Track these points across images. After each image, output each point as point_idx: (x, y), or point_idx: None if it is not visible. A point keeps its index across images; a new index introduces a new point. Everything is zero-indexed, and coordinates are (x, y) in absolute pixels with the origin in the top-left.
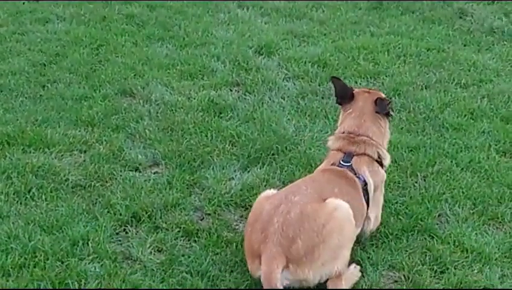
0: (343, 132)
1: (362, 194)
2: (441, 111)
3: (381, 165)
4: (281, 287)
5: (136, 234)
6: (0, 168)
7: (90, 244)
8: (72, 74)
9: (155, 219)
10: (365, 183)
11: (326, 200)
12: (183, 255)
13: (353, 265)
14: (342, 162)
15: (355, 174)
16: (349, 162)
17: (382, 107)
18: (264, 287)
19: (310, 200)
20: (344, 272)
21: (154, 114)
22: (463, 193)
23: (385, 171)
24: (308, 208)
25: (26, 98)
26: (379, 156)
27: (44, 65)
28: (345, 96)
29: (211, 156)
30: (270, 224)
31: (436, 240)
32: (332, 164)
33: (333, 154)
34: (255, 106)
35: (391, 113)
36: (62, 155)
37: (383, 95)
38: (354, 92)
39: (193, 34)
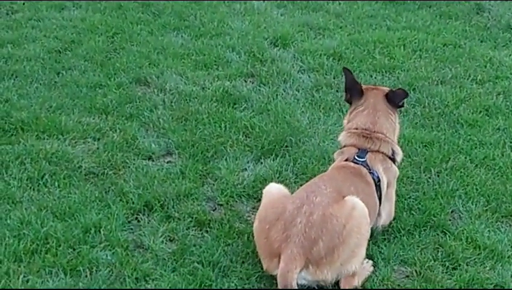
0: (356, 128)
1: (375, 191)
2: (456, 107)
3: (394, 161)
4: (296, 288)
5: (148, 222)
6: (14, 154)
7: (102, 232)
8: (87, 61)
9: (167, 208)
10: (378, 180)
11: (344, 197)
12: (194, 245)
13: (365, 260)
14: (356, 158)
15: (370, 170)
16: (364, 158)
17: (399, 98)
18: (279, 287)
19: (331, 200)
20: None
21: (168, 103)
22: (477, 189)
23: (397, 167)
24: (329, 209)
25: (40, 84)
26: (393, 153)
27: (60, 52)
28: (353, 90)
29: (224, 147)
30: (293, 225)
31: (449, 236)
32: (346, 160)
33: (347, 149)
34: (270, 97)
35: (404, 105)
36: (76, 142)
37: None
38: (363, 88)
39: (209, 24)
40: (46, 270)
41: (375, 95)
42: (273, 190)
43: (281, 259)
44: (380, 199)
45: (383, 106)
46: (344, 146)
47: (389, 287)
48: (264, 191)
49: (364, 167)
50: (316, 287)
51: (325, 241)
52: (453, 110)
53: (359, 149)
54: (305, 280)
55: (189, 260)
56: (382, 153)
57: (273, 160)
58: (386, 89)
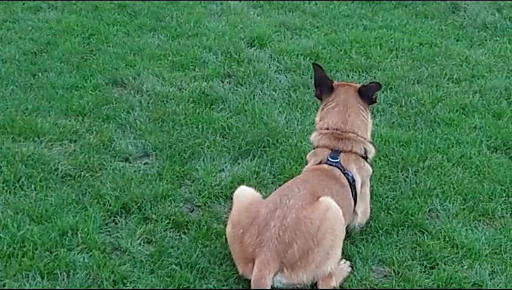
0: (327, 128)
1: (350, 191)
2: (432, 106)
3: (366, 159)
4: None
5: (125, 225)
6: None
7: (79, 235)
8: (63, 63)
9: (145, 210)
10: (353, 180)
11: (318, 198)
12: (172, 247)
13: (343, 261)
14: (330, 159)
15: (344, 171)
16: (337, 159)
17: (371, 91)
18: None
19: (305, 202)
20: (335, 270)
21: (145, 105)
22: (454, 188)
23: (370, 164)
24: (303, 212)
25: (16, 86)
26: (365, 151)
27: (35, 54)
28: (323, 85)
29: (201, 148)
30: (266, 229)
31: (427, 236)
32: (320, 162)
33: (320, 151)
34: (247, 98)
35: (376, 99)
36: (52, 144)
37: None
38: (333, 84)
39: (185, 25)
40: (23, 274)
41: (346, 91)
42: (245, 193)
43: (255, 264)
44: (355, 198)
45: (354, 102)
46: (316, 147)
47: (367, 287)
48: (234, 194)
49: (338, 168)
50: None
51: (299, 244)
52: (430, 109)
53: (332, 150)
54: (280, 284)
55: (167, 262)
56: (355, 153)
57: (251, 160)
58: (358, 85)
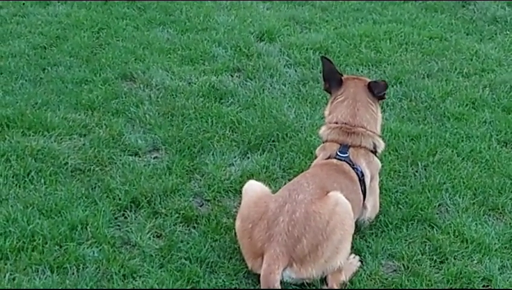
0: (336, 122)
1: (359, 185)
2: (442, 100)
3: (375, 153)
4: (279, 288)
5: (135, 219)
6: (0, 151)
7: (88, 229)
8: (72, 57)
9: (154, 204)
10: (362, 175)
11: (328, 193)
12: (182, 241)
13: (352, 255)
14: (339, 154)
15: (353, 165)
16: (346, 153)
17: (379, 89)
18: (262, 287)
19: (314, 197)
20: (344, 264)
21: (154, 99)
22: (464, 182)
23: (379, 158)
24: (312, 207)
25: (26, 80)
26: (374, 146)
27: (45, 48)
28: (332, 79)
29: (211, 142)
30: (276, 223)
31: (436, 230)
32: (329, 157)
33: (329, 145)
34: (256, 92)
35: (385, 96)
36: (62, 139)
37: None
38: (342, 78)
39: (194, 19)
40: (32, 268)
41: (355, 85)
42: (254, 188)
43: (264, 259)
44: (364, 193)
45: (363, 97)
46: (325, 141)
47: (376, 281)
48: (243, 189)
49: (347, 162)
50: (306, 284)
51: (308, 238)
52: (440, 103)
53: (341, 145)
54: (289, 278)
55: (177, 256)
56: (364, 147)
57: (260, 155)
58: (367, 80)
